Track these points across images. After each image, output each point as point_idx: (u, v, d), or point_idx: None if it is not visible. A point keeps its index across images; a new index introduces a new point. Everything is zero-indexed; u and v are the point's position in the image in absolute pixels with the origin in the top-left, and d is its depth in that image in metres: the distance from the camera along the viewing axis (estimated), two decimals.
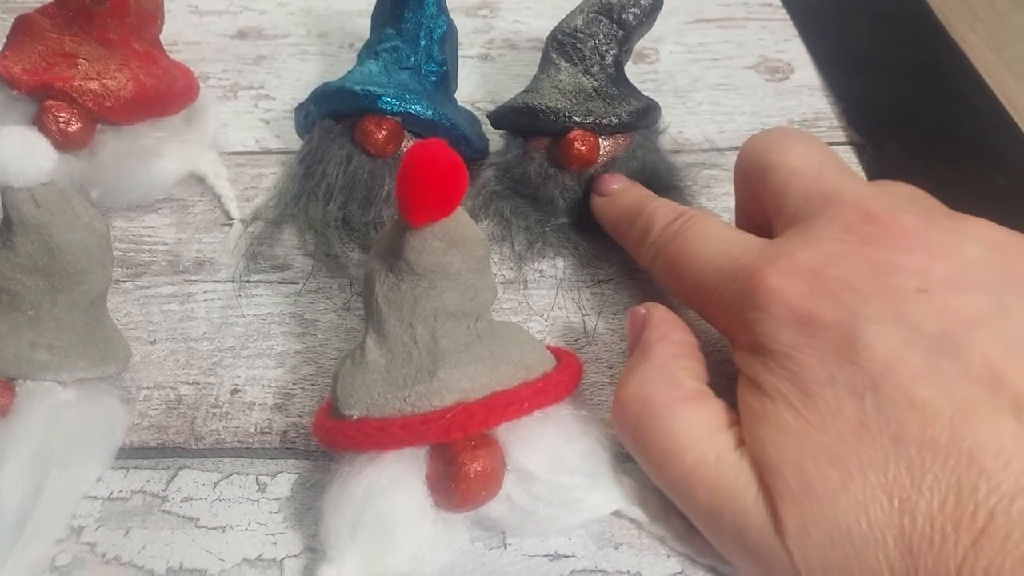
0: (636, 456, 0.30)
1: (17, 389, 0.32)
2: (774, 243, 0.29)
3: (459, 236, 0.30)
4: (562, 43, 0.42)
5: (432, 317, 0.30)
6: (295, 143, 0.45)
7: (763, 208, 0.31)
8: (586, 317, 0.38)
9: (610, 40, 0.41)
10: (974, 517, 0.22)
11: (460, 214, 0.30)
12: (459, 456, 0.29)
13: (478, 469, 0.29)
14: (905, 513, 0.23)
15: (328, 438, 0.30)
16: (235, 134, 0.48)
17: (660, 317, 0.31)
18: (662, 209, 0.34)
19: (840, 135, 0.46)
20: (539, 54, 0.50)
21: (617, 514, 0.31)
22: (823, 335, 0.25)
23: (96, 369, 0.33)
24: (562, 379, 0.31)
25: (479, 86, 0.51)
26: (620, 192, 0.37)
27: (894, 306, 0.25)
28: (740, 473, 0.26)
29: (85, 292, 0.33)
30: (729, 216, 0.41)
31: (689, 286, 0.31)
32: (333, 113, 0.42)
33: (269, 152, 0.47)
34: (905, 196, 0.30)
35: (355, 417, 0.29)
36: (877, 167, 0.44)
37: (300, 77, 0.52)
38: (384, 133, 0.40)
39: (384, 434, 0.29)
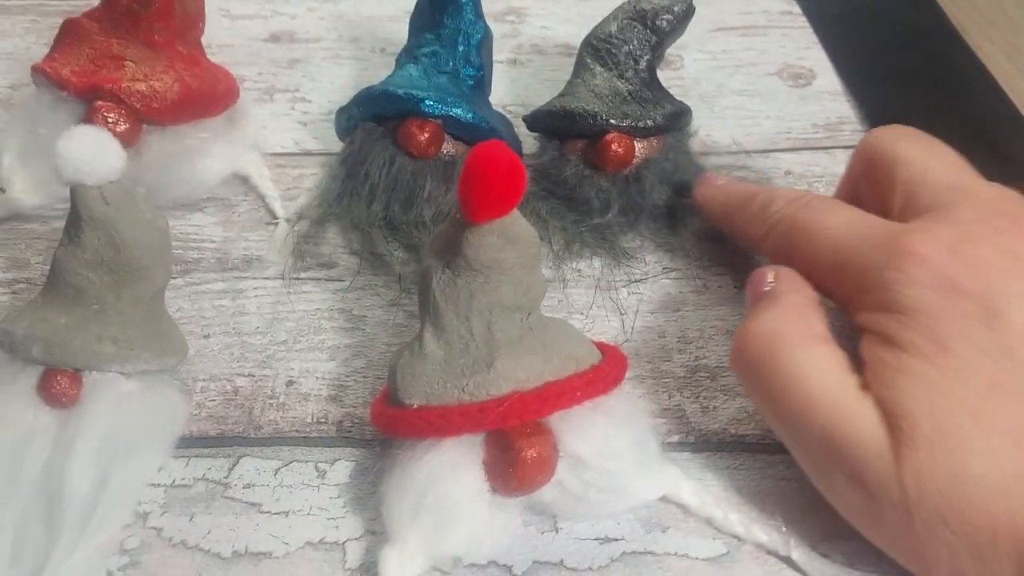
0: (753, 388, 0.31)
1: (84, 380, 0.33)
2: (912, 222, 0.30)
3: (514, 233, 0.31)
4: (597, 48, 0.43)
5: (487, 311, 0.31)
6: (334, 145, 0.46)
7: (884, 197, 0.33)
8: (624, 316, 0.39)
9: (644, 45, 0.43)
10: None
11: (515, 213, 0.31)
12: (515, 442, 0.30)
13: (534, 455, 0.30)
14: None
15: (389, 426, 0.31)
16: (273, 136, 0.49)
17: (789, 274, 0.33)
18: (783, 189, 0.37)
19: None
20: (566, 59, 0.52)
21: (664, 499, 0.32)
22: (962, 300, 0.27)
23: (158, 361, 0.34)
24: (610, 371, 0.32)
25: (508, 90, 0.52)
26: (728, 183, 0.40)
27: None
28: (863, 408, 0.28)
29: (147, 287, 0.34)
30: None
31: (820, 248, 0.32)
32: (375, 116, 0.43)
33: (308, 154, 0.48)
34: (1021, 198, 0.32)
35: (415, 406, 0.31)
36: None
37: (334, 81, 0.53)
38: (426, 135, 0.42)
39: (444, 421, 0.30)
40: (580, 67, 0.44)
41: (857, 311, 0.31)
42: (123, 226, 0.32)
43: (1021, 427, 0.25)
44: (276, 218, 0.44)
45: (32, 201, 0.44)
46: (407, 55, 0.46)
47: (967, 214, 0.29)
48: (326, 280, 0.41)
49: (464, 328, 0.31)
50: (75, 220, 0.32)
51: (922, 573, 0.27)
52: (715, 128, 0.49)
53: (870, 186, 0.34)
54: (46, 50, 0.49)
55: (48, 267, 0.40)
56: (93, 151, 0.31)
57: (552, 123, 0.43)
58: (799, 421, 0.29)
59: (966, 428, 0.26)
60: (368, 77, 0.51)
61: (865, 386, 0.28)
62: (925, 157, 0.32)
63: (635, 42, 0.43)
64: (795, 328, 0.30)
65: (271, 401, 0.36)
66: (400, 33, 0.47)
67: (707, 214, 0.40)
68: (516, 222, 0.31)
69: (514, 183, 0.28)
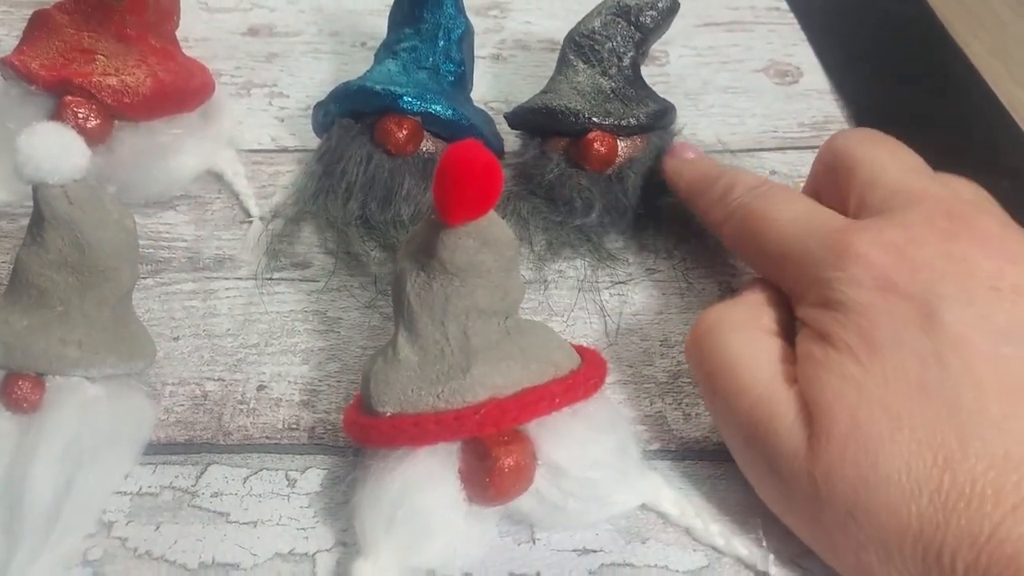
0: (696, 369, 0.32)
1: (47, 385, 0.32)
2: (861, 220, 0.30)
3: (491, 236, 0.30)
4: (580, 45, 0.42)
5: (464, 315, 0.30)
6: (311, 141, 0.45)
7: (843, 197, 0.32)
8: (607, 318, 0.38)
9: (627, 42, 0.42)
10: (1017, 486, 0.24)
11: (492, 214, 0.30)
12: (492, 450, 0.29)
13: (511, 463, 0.29)
14: (947, 470, 0.24)
15: (361, 435, 0.30)
16: (250, 132, 0.48)
17: (759, 281, 0.34)
18: (746, 174, 0.36)
19: None
20: (550, 55, 0.51)
21: (643, 508, 0.31)
22: (899, 302, 0.27)
23: (124, 365, 0.33)
24: (590, 376, 0.32)
25: (491, 86, 0.51)
26: (698, 159, 0.39)
27: (968, 293, 0.27)
28: (787, 398, 0.28)
29: (114, 289, 0.33)
30: None
31: (768, 239, 0.32)
32: (353, 112, 0.42)
33: (285, 150, 0.47)
34: (983, 199, 0.32)
35: (388, 414, 0.30)
36: None
37: (313, 76, 0.52)
38: (404, 132, 0.41)
39: (419, 430, 0.29)
40: (563, 64, 0.43)
41: (798, 304, 0.31)
42: (88, 227, 0.31)
43: (939, 432, 0.25)
44: (250, 216, 0.43)
45: (1, 197, 0.43)
46: (386, 50, 0.45)
47: (915, 216, 0.29)
48: (300, 280, 0.40)
49: (439, 333, 0.30)
50: (38, 220, 0.31)
51: (830, 560, 0.28)
52: (700, 126, 0.48)
53: (830, 188, 0.34)
54: (17, 42, 0.48)
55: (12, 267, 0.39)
56: (56, 149, 0.30)
57: (534, 120, 0.42)
58: (729, 403, 0.30)
59: (883, 429, 0.26)
60: (348, 72, 0.50)
61: (794, 379, 0.29)
62: (883, 159, 0.32)
63: (619, 38, 0.42)
64: (742, 316, 0.32)
65: (241, 406, 0.35)
66: (381, 27, 0.46)
67: (672, 188, 0.40)
68: (493, 224, 0.30)
69: (490, 184, 0.28)
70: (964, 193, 0.32)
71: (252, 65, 0.53)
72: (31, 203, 0.42)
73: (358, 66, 0.49)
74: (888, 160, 0.32)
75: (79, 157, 0.30)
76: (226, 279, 0.40)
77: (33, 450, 0.31)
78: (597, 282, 0.40)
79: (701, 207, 0.37)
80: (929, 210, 0.29)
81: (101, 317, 0.33)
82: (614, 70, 0.42)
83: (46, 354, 0.31)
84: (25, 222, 0.41)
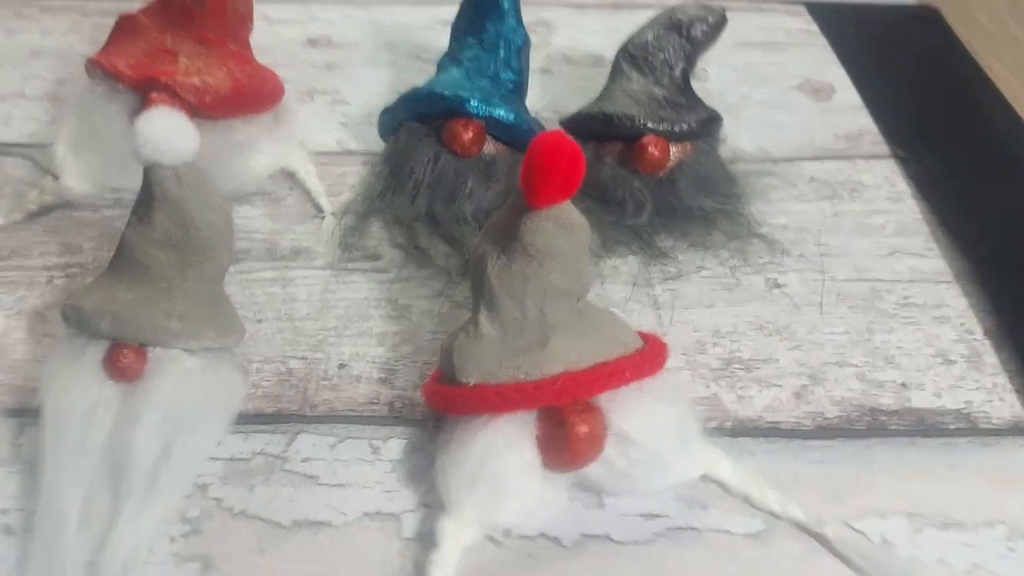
0: None
1: (149, 355, 0.34)
2: None
3: (569, 221, 0.32)
4: (633, 56, 0.45)
5: (541, 295, 0.33)
6: (374, 145, 0.48)
7: None
8: (660, 310, 0.41)
9: (678, 54, 0.45)
10: None
11: (569, 202, 0.32)
12: (568, 418, 0.31)
13: (585, 431, 0.31)
14: None
15: (445, 403, 0.33)
16: (316, 135, 0.51)
17: None
18: None
19: (884, 149, 0.50)
20: (594, 69, 0.54)
21: (704, 478, 0.33)
22: None
23: (220, 340, 0.35)
24: (655, 355, 0.34)
25: (540, 98, 0.54)
26: None
27: None
28: None
29: (212, 269, 0.35)
30: (786, 219, 0.44)
31: None
32: (420, 116, 0.45)
33: (350, 153, 0.50)
34: None
35: (472, 383, 0.32)
36: (919, 177, 0.47)
37: (372, 85, 0.55)
38: (470, 135, 0.44)
39: (500, 398, 0.32)
40: (616, 74, 0.46)
41: None
42: (194, 207, 0.34)
43: None
44: (322, 212, 0.45)
45: (83, 189, 0.45)
46: (449, 59, 0.47)
47: None
48: (372, 271, 0.42)
49: (518, 311, 0.33)
50: (146, 200, 0.34)
51: None
52: (742, 137, 0.50)
53: None
54: (89, 48, 0.51)
55: (99, 253, 0.42)
56: (170, 132, 0.32)
57: (589, 126, 0.45)
58: None
59: None
60: (403, 82, 0.53)
61: None
62: None
63: (670, 50, 0.45)
64: None
65: (324, 382, 0.37)
66: (433, 41, 0.49)
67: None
68: (571, 210, 0.32)
69: (574, 170, 0.30)
70: None
71: (313, 74, 0.55)
72: (111, 195, 0.46)
73: (413, 77, 0.52)
74: None
75: (191, 141, 0.33)
76: (303, 268, 0.42)
77: (136, 416, 0.33)
78: (650, 278, 0.42)
79: None
80: None
81: (200, 295, 0.35)
82: (666, 80, 0.45)
83: (151, 326, 0.34)
84: (106, 212, 0.45)
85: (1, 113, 0.52)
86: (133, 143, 0.32)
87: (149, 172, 0.33)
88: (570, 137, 0.30)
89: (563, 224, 0.32)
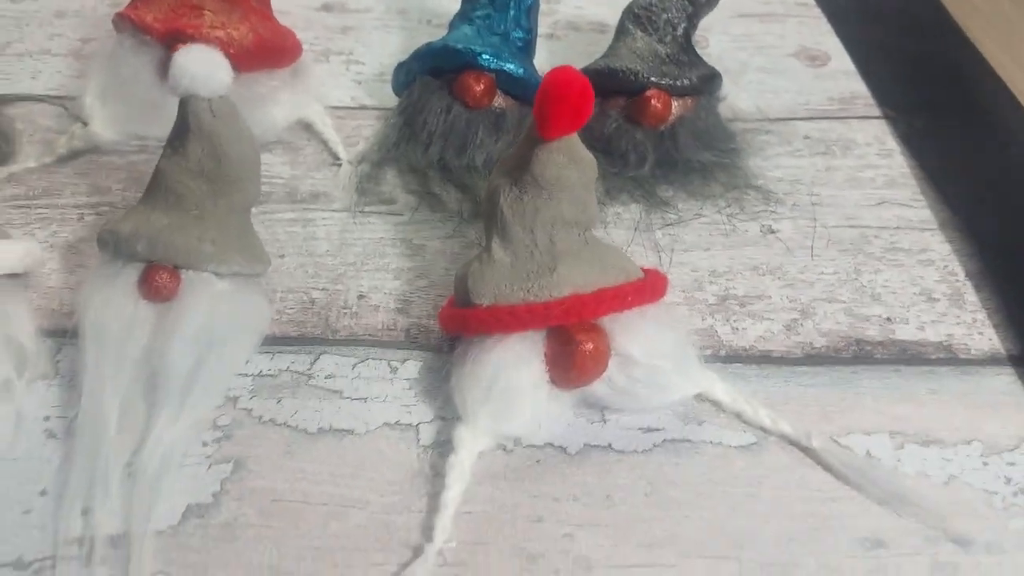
0: None
1: (182, 277, 0.36)
2: None
3: (577, 154, 0.35)
4: (638, 15, 0.48)
5: (550, 224, 0.35)
6: (388, 102, 0.50)
7: None
8: (660, 253, 0.43)
9: (681, 14, 0.47)
10: None
11: (577, 137, 0.35)
12: (575, 336, 0.34)
13: (591, 348, 0.34)
14: None
15: (460, 324, 0.35)
16: (331, 92, 0.53)
17: None
18: None
19: (875, 111, 0.52)
20: (599, 35, 0.56)
21: (699, 397, 0.36)
22: None
23: (248, 266, 0.38)
24: (656, 284, 0.36)
25: (547, 61, 0.56)
26: None
27: None
28: None
29: (241, 199, 0.38)
30: (781, 173, 0.47)
31: None
32: (433, 70, 0.47)
33: (364, 108, 0.52)
34: None
35: (485, 305, 0.34)
36: (907, 136, 0.50)
37: (384, 47, 0.57)
38: (482, 87, 0.46)
39: (512, 318, 0.34)
40: (621, 32, 0.48)
41: None
42: (226, 139, 0.36)
43: None
44: (339, 160, 0.48)
45: (110, 136, 0.48)
46: (461, 18, 0.50)
47: None
48: (387, 214, 0.45)
49: (529, 239, 0.35)
50: (181, 131, 0.36)
51: None
52: (740, 98, 0.53)
53: None
54: (110, 9, 0.53)
55: (127, 194, 0.44)
56: (207, 65, 0.35)
57: (596, 81, 0.46)
58: None
59: None
60: (414, 45, 0.54)
61: None
62: None
63: (673, 11, 0.47)
64: None
65: (344, 311, 0.39)
66: (443, 6, 0.51)
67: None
68: (579, 144, 0.35)
69: (585, 102, 0.32)
70: None
71: (329, 36, 0.58)
72: (137, 143, 0.48)
73: (423, 40, 0.53)
74: None
75: (226, 75, 0.35)
76: (322, 211, 0.44)
77: (170, 333, 0.35)
78: (651, 223, 0.45)
79: None
80: None
81: (230, 223, 0.37)
82: (669, 38, 0.47)
83: (185, 248, 0.36)
84: (132, 158, 0.47)
85: (29, 68, 0.54)
86: (171, 75, 0.35)
87: (185, 104, 0.36)
88: (580, 73, 0.32)
89: (572, 157, 0.35)
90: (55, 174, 0.46)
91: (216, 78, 0.35)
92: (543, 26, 0.59)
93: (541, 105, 0.33)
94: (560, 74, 0.32)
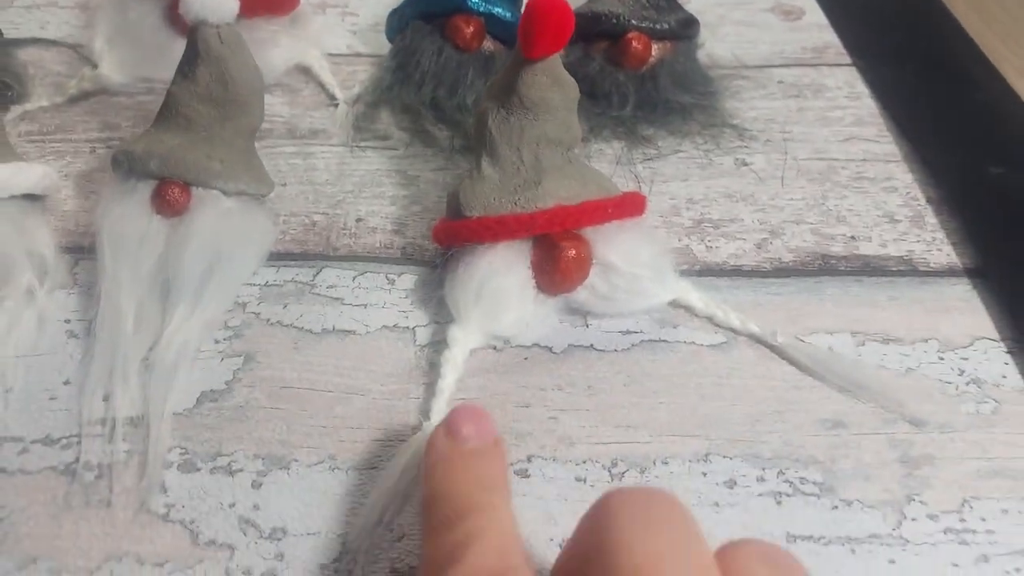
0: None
1: (192, 193, 0.39)
2: None
3: (560, 76, 0.38)
4: None
5: (535, 143, 0.38)
6: (381, 49, 0.53)
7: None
8: (641, 184, 0.46)
9: None
10: None
11: (558, 59, 0.37)
12: (560, 243, 0.36)
13: (574, 254, 0.36)
14: None
15: (453, 235, 0.38)
16: (328, 40, 0.55)
17: None
18: (487, 539, 0.25)
19: (846, 59, 0.55)
20: None
21: (674, 304, 0.38)
22: None
23: (254, 186, 0.40)
24: (635, 200, 0.39)
25: None
26: (466, 453, 0.28)
27: None
28: None
29: (247, 123, 0.40)
30: (755, 114, 0.50)
31: None
32: (425, 15, 0.50)
33: (359, 55, 0.54)
34: None
35: (476, 216, 0.37)
36: (875, 83, 0.53)
37: (378, 1, 0.59)
38: (471, 29, 0.48)
39: (501, 227, 0.37)
40: None
41: None
42: (233, 65, 0.38)
43: None
44: (336, 100, 0.50)
45: (118, 78, 0.50)
46: None
47: None
48: (383, 148, 0.47)
49: (515, 156, 0.38)
50: (191, 58, 0.39)
51: None
52: (718, 48, 0.56)
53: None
54: None
55: (136, 131, 0.47)
56: None
57: (579, 24, 0.49)
58: None
59: None
60: None
61: None
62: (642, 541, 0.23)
63: None
64: None
65: (344, 231, 0.42)
66: None
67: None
68: (560, 67, 0.38)
69: (566, 24, 0.35)
70: None
71: None
72: (143, 85, 0.50)
73: None
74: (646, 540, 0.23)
75: (233, 3, 0.38)
76: (321, 145, 0.47)
77: (182, 244, 0.38)
78: (632, 158, 0.47)
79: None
80: None
81: (236, 146, 0.40)
82: None
83: (195, 165, 0.38)
84: (141, 98, 0.50)
85: (38, 19, 0.56)
86: (182, 3, 0.37)
87: (195, 31, 0.38)
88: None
89: (555, 78, 0.37)
90: (66, 113, 0.49)
91: (225, 6, 0.37)
92: None
93: (526, 26, 0.35)
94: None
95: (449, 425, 0.29)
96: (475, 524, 0.25)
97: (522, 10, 0.52)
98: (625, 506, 0.23)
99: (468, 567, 0.23)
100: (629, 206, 0.39)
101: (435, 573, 0.24)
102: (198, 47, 0.38)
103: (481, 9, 0.49)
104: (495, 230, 0.37)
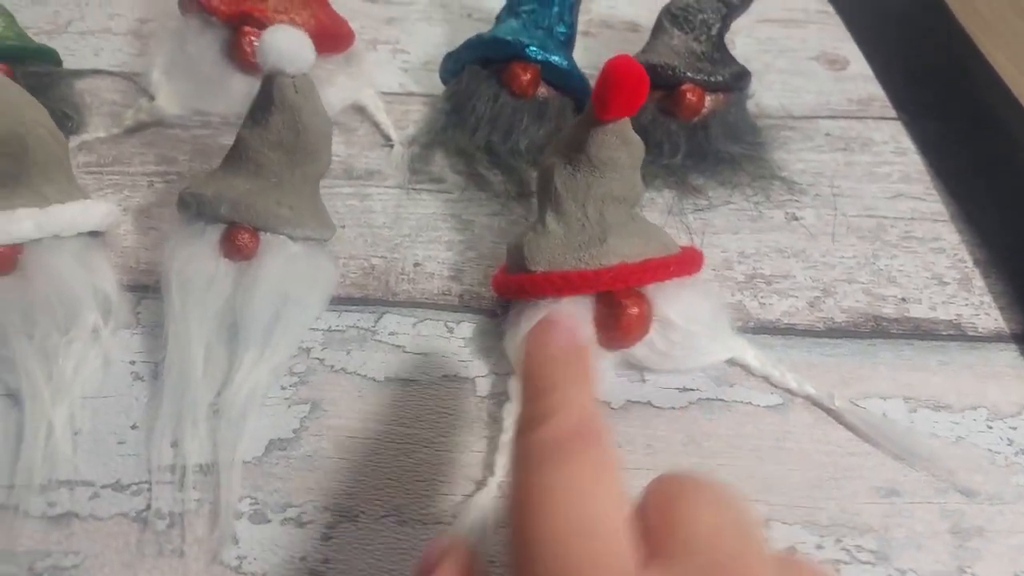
0: None
1: (260, 238, 0.40)
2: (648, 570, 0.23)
3: (629, 137, 0.38)
4: (675, 15, 0.51)
5: (601, 200, 0.38)
6: (434, 89, 0.54)
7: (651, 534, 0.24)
8: (692, 235, 0.47)
9: (716, 15, 0.51)
10: None
11: (628, 120, 0.38)
12: (622, 301, 0.37)
13: (636, 312, 0.37)
14: None
15: (516, 289, 0.38)
16: (380, 78, 0.56)
17: None
18: (571, 407, 0.26)
19: (891, 113, 0.56)
20: (632, 34, 0.60)
21: (731, 362, 0.39)
22: None
23: (319, 231, 0.41)
24: (694, 257, 0.40)
25: (582, 57, 0.59)
26: (558, 348, 0.28)
27: None
28: None
29: (315, 170, 0.41)
30: (804, 166, 0.50)
31: (531, 536, 0.23)
32: (482, 59, 0.51)
33: (412, 94, 0.55)
34: None
35: (540, 271, 0.38)
36: (921, 137, 0.53)
37: (429, 38, 0.60)
38: (528, 76, 0.49)
39: (565, 282, 0.37)
40: (659, 31, 0.51)
41: None
42: (306, 113, 0.39)
43: None
44: (391, 141, 0.51)
45: (174, 111, 0.51)
46: (508, 12, 0.53)
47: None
48: (438, 192, 0.48)
49: (581, 212, 0.39)
50: (264, 105, 0.39)
51: None
52: (765, 97, 0.56)
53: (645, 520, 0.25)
54: None
55: (193, 164, 0.48)
56: (293, 45, 0.38)
57: None
58: None
59: None
60: (458, 37, 0.58)
61: None
62: (709, 513, 0.24)
63: (709, 12, 0.50)
64: None
65: (402, 276, 0.43)
66: (483, 2, 0.55)
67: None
68: (630, 127, 0.38)
69: (642, 88, 0.36)
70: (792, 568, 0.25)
71: (375, 26, 0.61)
72: (199, 118, 0.51)
73: (466, 32, 0.57)
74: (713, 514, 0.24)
75: (309, 54, 0.38)
76: (377, 187, 0.48)
77: (251, 286, 0.39)
78: (683, 208, 0.48)
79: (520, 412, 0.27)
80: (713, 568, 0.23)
81: (304, 192, 0.41)
82: (704, 37, 0.50)
83: (265, 212, 0.39)
84: (196, 132, 0.50)
85: (92, 45, 0.57)
86: (259, 51, 0.38)
87: (270, 80, 0.39)
88: (638, 61, 0.36)
89: (624, 138, 0.38)
90: (123, 144, 0.50)
91: (301, 56, 0.38)
92: (578, 24, 0.62)
93: (601, 89, 0.36)
94: (620, 61, 0.35)
95: (550, 316, 0.30)
96: (563, 396, 0.27)
97: (573, 60, 0.53)
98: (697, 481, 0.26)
99: (553, 427, 0.25)
100: (689, 263, 0.39)
101: (524, 435, 0.26)
102: (272, 96, 0.39)
103: (539, 57, 0.49)
104: (559, 286, 0.37)
